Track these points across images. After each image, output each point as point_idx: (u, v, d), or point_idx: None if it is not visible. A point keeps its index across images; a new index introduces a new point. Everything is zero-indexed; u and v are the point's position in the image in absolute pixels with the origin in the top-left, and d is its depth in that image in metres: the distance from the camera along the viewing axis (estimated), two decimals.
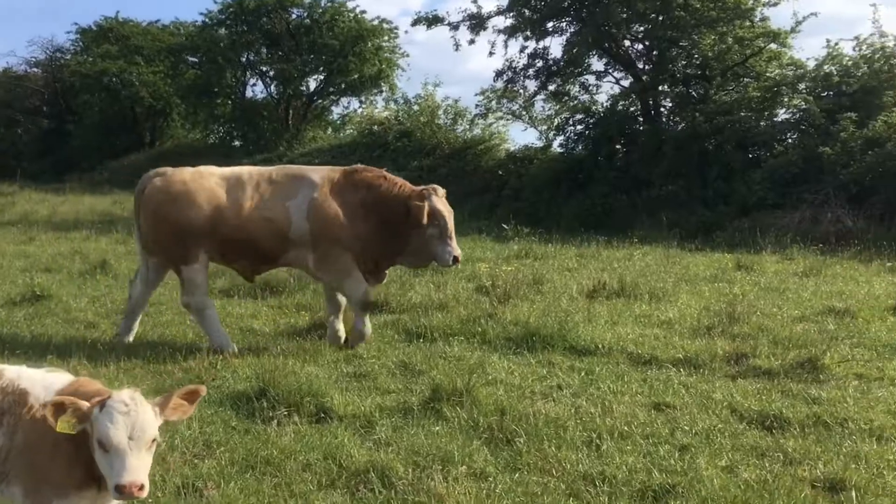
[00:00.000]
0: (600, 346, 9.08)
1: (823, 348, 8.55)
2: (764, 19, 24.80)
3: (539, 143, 29.60)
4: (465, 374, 7.49)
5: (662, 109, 26.39)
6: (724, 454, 5.94)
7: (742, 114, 22.29)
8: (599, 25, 25.00)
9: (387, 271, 10.04)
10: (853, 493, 5.13)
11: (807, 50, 38.04)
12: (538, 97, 29.41)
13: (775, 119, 22.70)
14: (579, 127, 27.51)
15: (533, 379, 7.96)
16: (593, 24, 25.23)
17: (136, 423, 3.78)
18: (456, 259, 9.25)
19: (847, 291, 12.27)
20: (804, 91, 21.89)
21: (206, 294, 9.58)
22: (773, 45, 24.46)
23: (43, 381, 4.16)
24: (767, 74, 23.96)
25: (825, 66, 22.17)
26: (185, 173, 9.54)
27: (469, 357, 8.60)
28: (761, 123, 22.22)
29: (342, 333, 9.56)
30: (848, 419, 6.57)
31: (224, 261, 9.73)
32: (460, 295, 11.66)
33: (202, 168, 9.71)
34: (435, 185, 9.60)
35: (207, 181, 9.37)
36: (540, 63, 27.70)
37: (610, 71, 27.88)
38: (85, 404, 3.84)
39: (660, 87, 25.87)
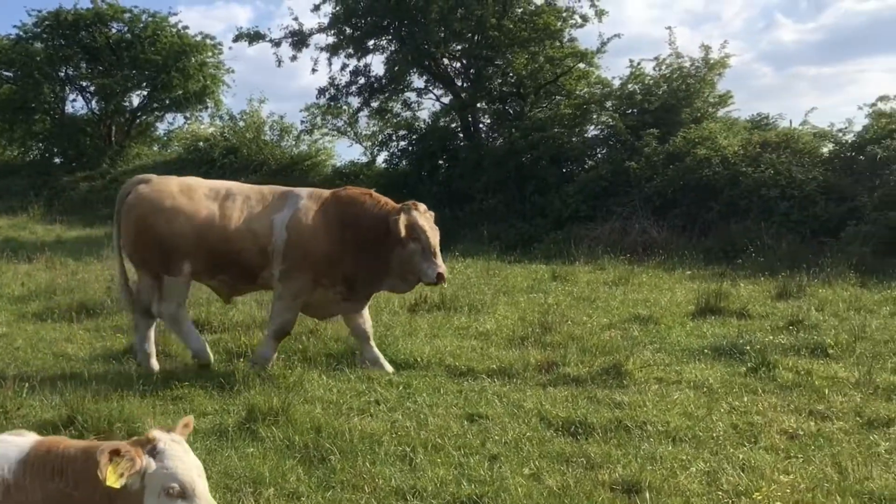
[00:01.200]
0: (419, 359, 9.16)
1: (627, 354, 8.91)
2: (572, 40, 25.85)
3: (364, 159, 29.78)
4: (282, 393, 7.38)
5: (481, 126, 27.03)
6: (531, 462, 6.06)
7: (555, 130, 23.08)
8: (419, 44, 25.30)
9: (368, 300, 9.40)
10: (648, 495, 5.34)
11: (614, 69, 39.62)
12: (362, 113, 29.54)
13: (585, 135, 23.62)
14: (402, 143, 27.88)
15: (351, 395, 7.91)
16: (413, 42, 25.51)
17: (196, 462, 3.43)
18: (441, 276, 8.69)
19: (651, 299, 12.83)
20: (611, 108, 22.88)
21: (183, 306, 9.30)
22: (581, 65, 25.50)
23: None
24: (577, 93, 24.98)
25: (629, 85, 23.27)
26: (172, 182, 9.26)
27: (289, 375, 8.45)
28: (573, 139, 23.05)
29: (380, 355, 9.16)
30: (647, 422, 6.83)
31: (206, 275, 9.24)
32: None
33: (189, 179, 9.49)
34: (415, 201, 9.09)
35: (196, 192, 9.07)
36: (362, 80, 27.78)
37: (430, 88, 28.35)
38: (142, 454, 3.35)
39: (478, 105, 26.45)
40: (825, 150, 19.70)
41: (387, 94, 28.42)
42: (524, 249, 19.64)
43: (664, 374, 8.51)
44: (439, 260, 8.76)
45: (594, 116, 23.56)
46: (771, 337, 9.83)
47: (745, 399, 7.54)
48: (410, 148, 27.40)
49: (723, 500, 5.27)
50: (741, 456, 6.02)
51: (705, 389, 7.92)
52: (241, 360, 9.25)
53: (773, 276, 14.08)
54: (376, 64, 37.34)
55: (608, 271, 15.70)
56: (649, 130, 20.88)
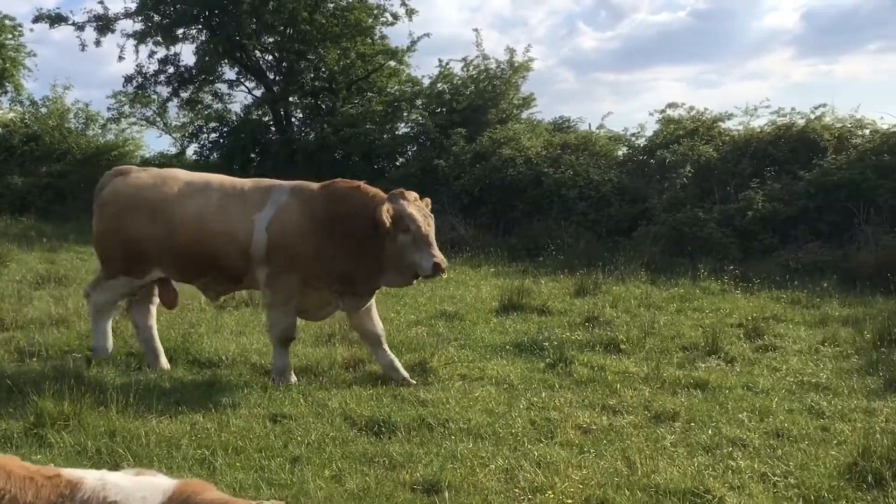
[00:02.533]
0: (224, 357, 8.83)
1: (432, 351, 8.94)
2: (383, 38, 25.86)
3: (174, 150, 28.66)
4: (75, 396, 6.89)
5: (294, 120, 26.63)
6: (334, 463, 5.93)
7: (367, 126, 23.04)
8: (230, 35, 24.62)
9: (370, 297, 8.62)
10: (447, 494, 5.32)
11: (426, 68, 39.90)
12: (171, 104, 28.41)
13: (396, 132, 23.69)
14: (214, 135, 27.05)
15: (153, 396, 7.51)
16: (224, 33, 24.81)
17: None
18: (438, 266, 7.94)
19: (458, 295, 12.96)
20: (421, 107, 23.05)
21: (114, 303, 8.80)
22: (392, 63, 25.56)
23: (138, 490, 3.08)
24: (388, 90, 25.01)
25: (438, 85, 23.52)
26: (149, 177, 8.60)
27: (85, 376, 7.92)
28: (384, 136, 23.08)
29: (395, 359, 8.51)
30: (449, 420, 6.83)
31: (182, 278, 8.64)
32: (82, 309, 10.80)
33: (167, 172, 8.84)
34: (403, 189, 8.42)
35: (170, 187, 8.40)
36: (171, 69, 26.77)
37: (242, 80, 27.68)
38: None
39: (290, 98, 26.07)
40: (620, 153, 20.62)
41: (197, 85, 27.51)
42: None
43: (468, 370, 8.57)
44: (435, 249, 8.05)
45: (405, 114, 23.70)
46: (568, 333, 10.10)
47: (544, 395, 7.69)
48: (221, 140, 26.68)
49: (519, 498, 5.31)
50: (538, 452, 6.09)
51: (506, 385, 8.03)
52: (34, 359, 8.59)
53: (572, 274, 14.54)
54: (186, 53, 36.12)
55: None
56: (457, 130, 21.18)
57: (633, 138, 20.79)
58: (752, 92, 70.16)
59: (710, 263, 14.96)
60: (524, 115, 23.31)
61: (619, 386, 7.95)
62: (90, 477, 3.14)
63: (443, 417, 6.91)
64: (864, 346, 9.51)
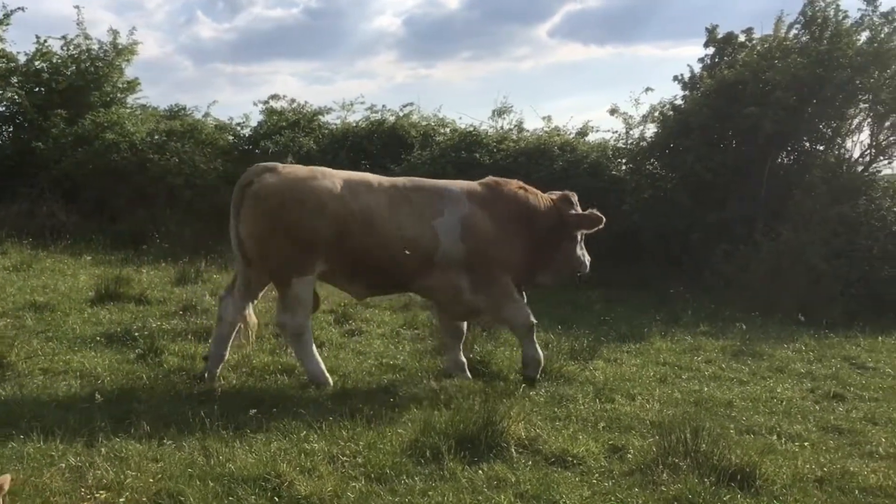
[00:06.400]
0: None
1: (10, 344, 8.27)
2: None
3: None
4: None
5: None
6: None
7: None
8: None
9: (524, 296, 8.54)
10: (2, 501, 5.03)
11: (23, 45, 36.42)
12: None
13: None
14: None
15: None
16: None
17: None
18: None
19: (52, 285, 12.19)
20: (17, 85, 21.12)
21: (309, 316, 7.88)
22: None
23: None
24: None
25: (36, 62, 21.61)
26: (304, 171, 7.86)
27: None
28: None
29: (464, 360, 8.58)
30: (21, 418, 6.31)
31: (343, 278, 8.02)
32: None
33: (321, 168, 8.08)
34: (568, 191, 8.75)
35: (333, 182, 7.74)
36: None
37: None
38: None
39: None
40: (227, 142, 20.46)
41: None
42: None
43: (51, 364, 8.04)
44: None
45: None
46: (163, 323, 9.92)
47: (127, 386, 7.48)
48: None
49: (86, 497, 5.04)
50: (114, 447, 5.82)
51: (91, 378, 7.68)
52: None
53: (175, 262, 14.29)
54: None
55: (10, 256, 14.57)
56: (57, 111, 19.75)
57: (239, 128, 20.83)
58: (363, 90, 73.38)
59: None
60: (130, 99, 22.27)
61: (207, 375, 7.87)
62: None
63: (17, 415, 6.42)
64: (438, 329, 10.12)
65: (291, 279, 7.68)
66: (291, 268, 7.67)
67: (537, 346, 8.43)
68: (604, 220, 8.43)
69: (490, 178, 8.65)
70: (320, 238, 7.63)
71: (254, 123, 20.69)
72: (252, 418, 6.63)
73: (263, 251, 7.70)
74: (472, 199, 8.21)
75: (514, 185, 8.60)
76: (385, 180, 8.19)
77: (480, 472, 5.77)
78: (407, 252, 7.81)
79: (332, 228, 7.63)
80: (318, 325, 10.24)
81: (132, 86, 21.80)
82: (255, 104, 21.25)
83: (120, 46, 21.17)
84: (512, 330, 8.67)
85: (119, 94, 21.45)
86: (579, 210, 8.59)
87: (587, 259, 8.77)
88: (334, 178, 7.87)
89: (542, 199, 8.56)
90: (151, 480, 5.27)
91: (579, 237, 8.65)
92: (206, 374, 7.81)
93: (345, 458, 5.87)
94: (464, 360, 8.63)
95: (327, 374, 7.94)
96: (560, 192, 8.73)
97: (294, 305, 7.73)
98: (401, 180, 8.30)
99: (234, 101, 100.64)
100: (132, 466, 5.48)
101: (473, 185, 8.49)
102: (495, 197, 8.34)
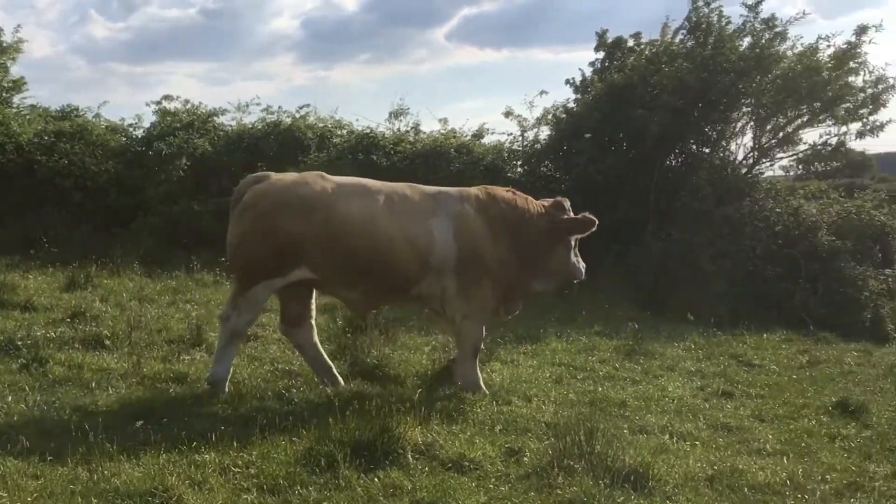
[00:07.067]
0: None
1: None
2: None
3: None
4: None
5: None
6: None
7: None
8: None
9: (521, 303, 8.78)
10: None
11: None
12: None
13: None
14: None
15: None
16: None
17: None
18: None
19: None
20: None
21: (253, 322, 8.22)
22: None
23: None
24: None
25: None
26: (294, 177, 8.08)
27: None
28: None
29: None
30: None
31: (340, 285, 7.93)
32: None
33: (314, 173, 8.19)
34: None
35: (324, 186, 7.78)
36: None
37: None
38: None
39: None
40: (119, 144, 19.86)
41: None
42: None
43: None
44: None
45: None
46: (49, 331, 9.52)
47: (10, 399, 7.09)
48: None
49: None
50: None
51: None
52: None
53: (65, 267, 13.77)
54: None
55: None
56: None
57: (132, 129, 20.25)
58: (261, 92, 72.51)
59: (206, 256, 15.11)
60: (17, 99, 21.34)
61: (94, 384, 7.64)
62: None
63: None
64: (336, 333, 10.01)
65: (259, 281, 7.70)
66: (264, 270, 7.70)
67: (478, 368, 8.40)
68: (597, 222, 8.44)
69: (483, 186, 8.75)
70: (305, 242, 7.63)
71: (147, 125, 20.13)
72: (140, 430, 6.31)
73: (240, 250, 7.78)
74: (466, 200, 8.26)
75: (504, 189, 8.74)
76: (382, 185, 8.21)
77: (376, 479, 5.73)
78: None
79: (321, 232, 7.63)
80: (215, 331, 9.97)
81: (18, 85, 20.89)
82: (147, 105, 20.69)
83: (4, 44, 20.28)
84: (459, 344, 8.43)
85: (4, 94, 20.53)
86: (572, 215, 8.63)
87: (582, 265, 8.76)
88: (326, 182, 7.89)
89: (534, 204, 8.59)
90: (30, 500, 5.02)
91: (573, 243, 8.67)
92: (327, 390, 7.94)
93: (237, 470, 5.73)
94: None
95: (227, 382, 7.78)
96: (553, 199, 8.78)
97: (247, 306, 7.76)
98: (398, 185, 8.33)
99: (131, 102, 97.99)
100: (8, 485, 5.19)
101: (467, 189, 8.55)
102: (489, 200, 8.36)
